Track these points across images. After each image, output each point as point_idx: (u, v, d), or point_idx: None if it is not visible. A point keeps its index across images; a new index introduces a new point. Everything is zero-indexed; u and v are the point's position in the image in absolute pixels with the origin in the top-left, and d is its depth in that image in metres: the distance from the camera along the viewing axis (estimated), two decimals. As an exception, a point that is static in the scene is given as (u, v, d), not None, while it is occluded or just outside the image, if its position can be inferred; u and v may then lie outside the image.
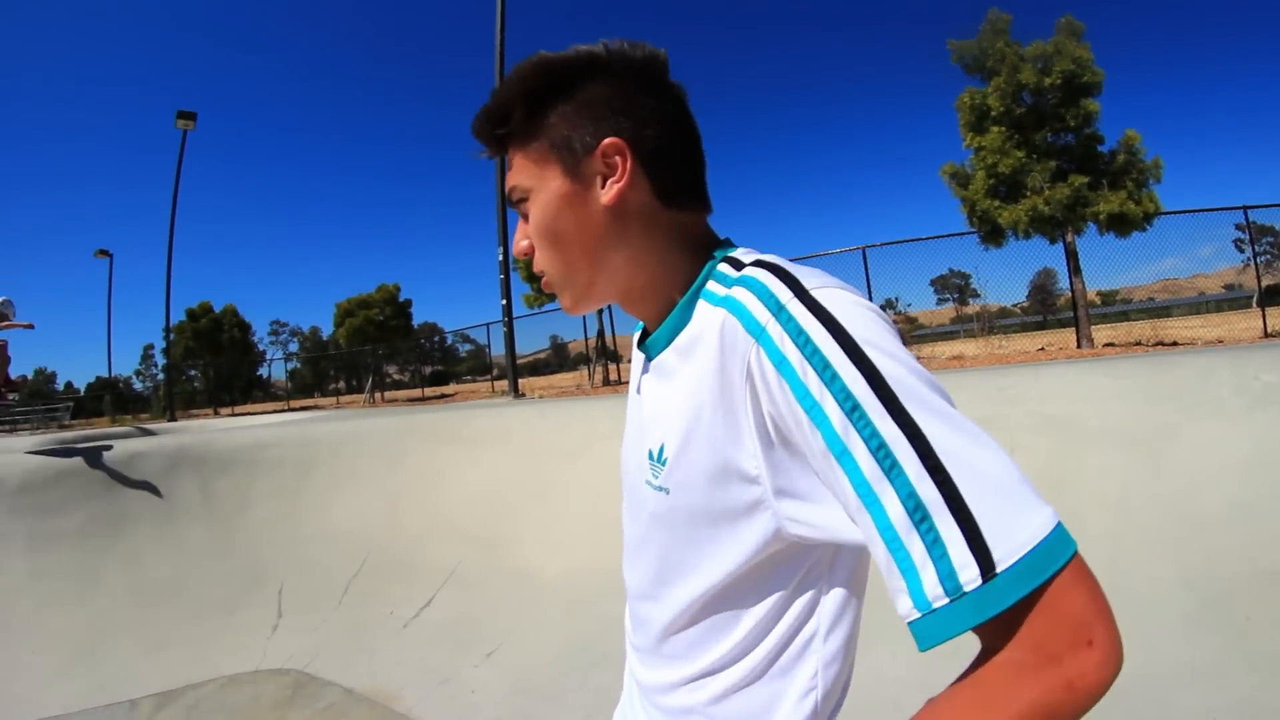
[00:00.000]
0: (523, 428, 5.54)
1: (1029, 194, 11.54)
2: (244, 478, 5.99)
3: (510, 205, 0.85)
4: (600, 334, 18.07)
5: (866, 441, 0.57)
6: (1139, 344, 10.78)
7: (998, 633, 0.54)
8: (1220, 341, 10.59)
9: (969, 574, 0.53)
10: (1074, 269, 11.70)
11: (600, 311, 17.61)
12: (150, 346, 61.48)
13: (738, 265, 0.73)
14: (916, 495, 0.55)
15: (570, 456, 4.99)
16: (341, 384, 36.43)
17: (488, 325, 23.46)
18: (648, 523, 0.80)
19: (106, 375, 40.44)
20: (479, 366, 36.82)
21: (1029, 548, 0.53)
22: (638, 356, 0.90)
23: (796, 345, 0.61)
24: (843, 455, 0.58)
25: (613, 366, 18.60)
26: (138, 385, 59.22)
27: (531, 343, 30.27)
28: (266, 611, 4.65)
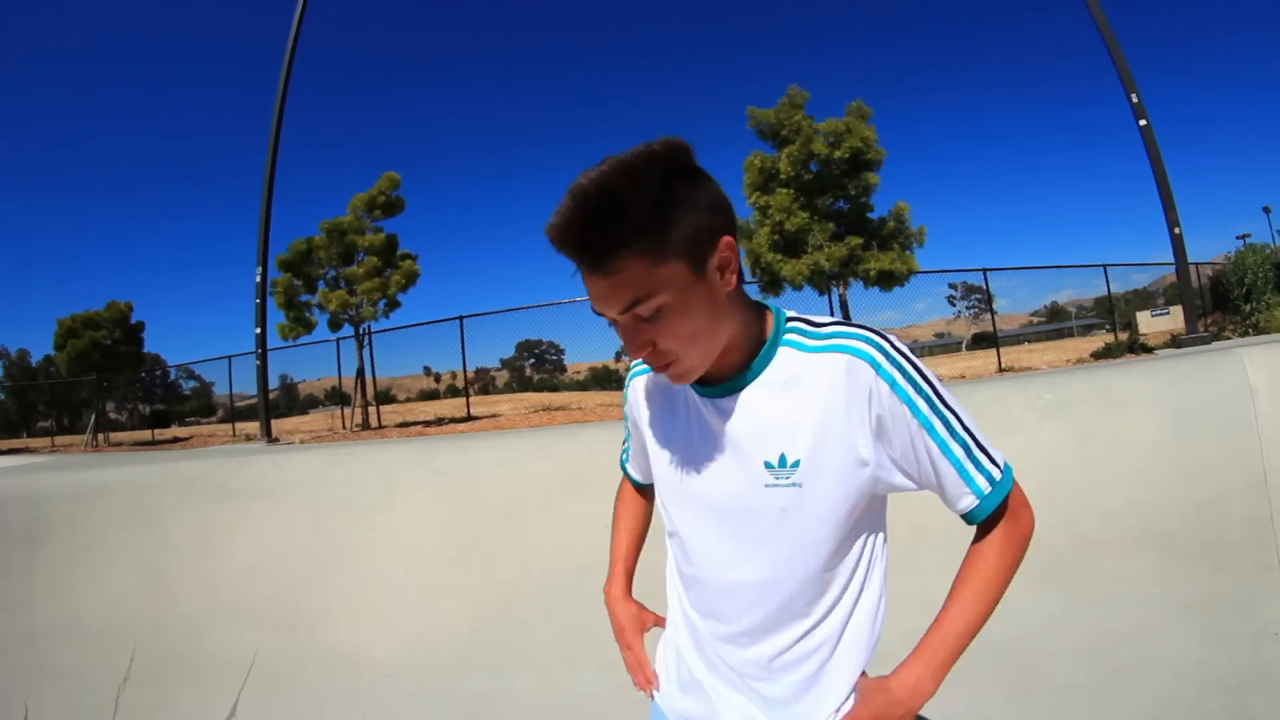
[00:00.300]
0: (306, 479, 4.51)
1: (810, 250, 12.91)
2: None
3: (611, 313, 0.97)
4: (360, 373, 16.68)
5: (940, 418, 1.02)
6: None
7: (1004, 506, 1.09)
8: (964, 376, 12.30)
9: (996, 472, 1.06)
10: (845, 317, 12.60)
11: (361, 350, 16.55)
12: None
13: (809, 323, 1.08)
14: (966, 443, 1.04)
15: (370, 512, 4.11)
16: (51, 422, 31.30)
17: (229, 358, 21.30)
18: (773, 518, 1.06)
19: None
20: (203, 408, 33.10)
21: (1004, 462, 1.08)
22: (678, 393, 1.17)
23: (901, 374, 1.01)
24: (929, 427, 1.02)
25: (375, 409, 17.34)
26: None
27: (251, 383, 27.77)
28: None
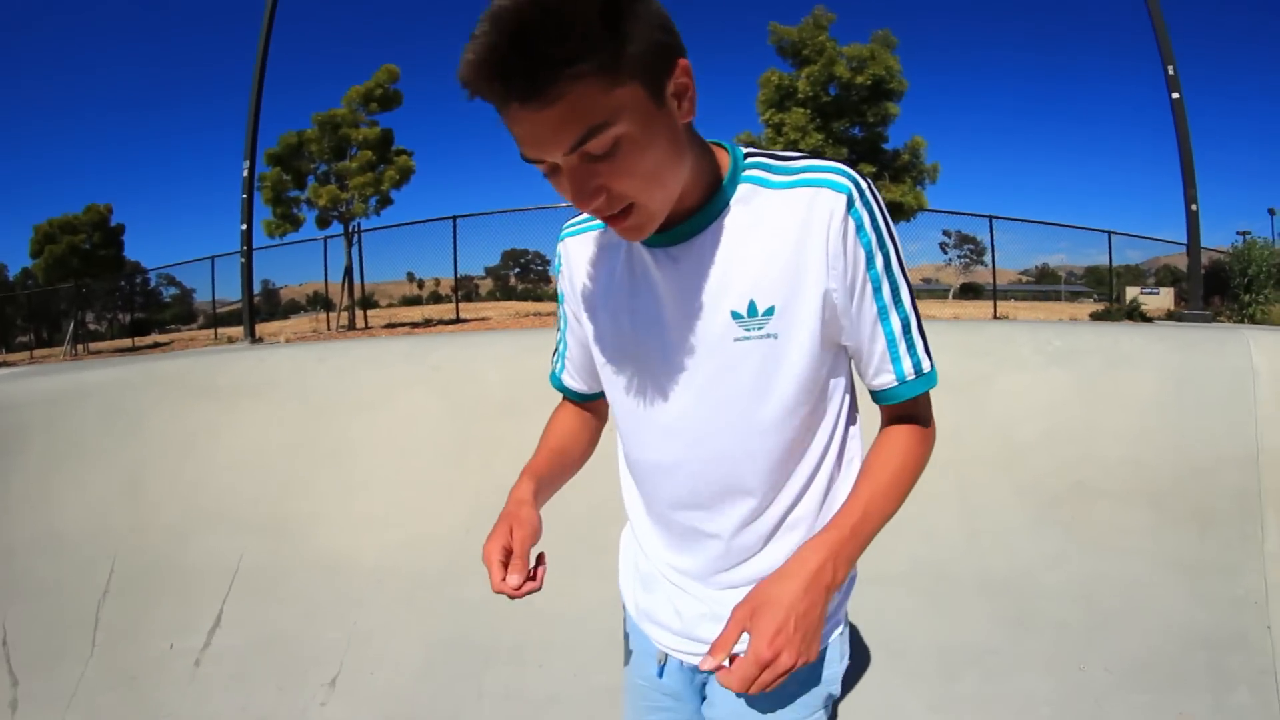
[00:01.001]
0: (294, 376, 4.21)
1: None
2: None
3: (553, 155, 0.77)
4: (348, 273, 16.25)
5: (891, 282, 0.94)
6: None
7: (918, 404, 1.03)
8: (957, 317, 12.32)
9: (925, 365, 0.99)
10: None
11: (350, 248, 16.11)
12: None
13: (775, 158, 0.96)
14: (907, 319, 0.97)
15: (362, 409, 3.88)
16: (30, 336, 30.48)
17: (212, 259, 20.42)
18: (749, 376, 0.95)
19: None
20: (183, 314, 32.33)
21: (933, 360, 1.01)
22: (617, 243, 1.04)
23: (869, 218, 0.91)
24: (877, 285, 0.93)
25: (360, 312, 16.91)
26: None
27: (233, 289, 27.07)
28: None
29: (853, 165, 0.94)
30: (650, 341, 1.00)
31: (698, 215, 0.93)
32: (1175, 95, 9.14)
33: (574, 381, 1.25)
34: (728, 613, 0.93)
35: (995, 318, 13.93)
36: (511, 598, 0.99)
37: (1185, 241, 9.48)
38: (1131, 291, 20.41)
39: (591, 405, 1.29)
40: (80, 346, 22.50)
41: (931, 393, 1.03)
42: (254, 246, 10.04)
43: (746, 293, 0.92)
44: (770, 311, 0.92)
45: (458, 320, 15.39)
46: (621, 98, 0.75)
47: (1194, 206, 9.17)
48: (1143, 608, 2.74)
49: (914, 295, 0.98)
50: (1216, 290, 14.71)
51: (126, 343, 23.17)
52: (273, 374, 4.33)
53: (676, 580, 1.11)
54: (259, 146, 10.23)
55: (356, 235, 16.21)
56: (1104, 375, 3.27)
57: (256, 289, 15.64)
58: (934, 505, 3.13)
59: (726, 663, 0.88)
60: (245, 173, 9.65)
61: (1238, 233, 22.86)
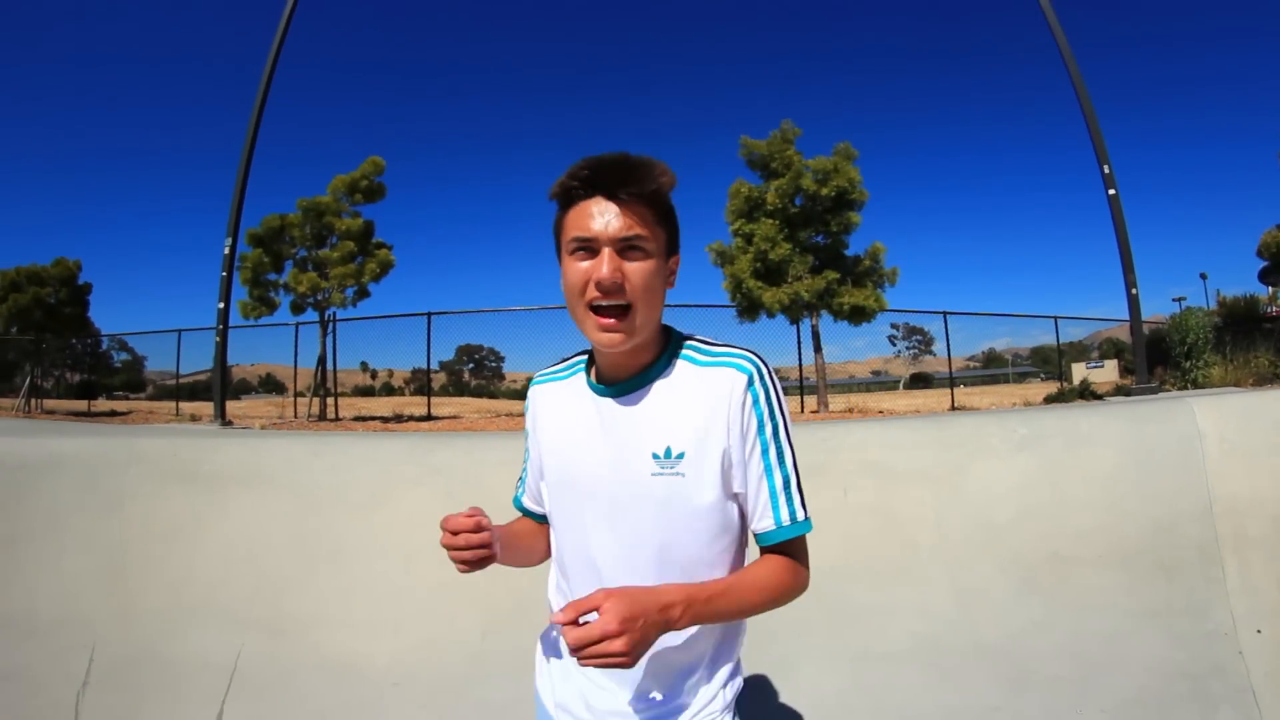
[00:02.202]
0: (287, 468, 4.08)
1: (791, 281, 13.27)
2: None
3: (610, 235, 1.17)
4: (321, 361, 16.03)
5: (777, 446, 1.21)
6: (851, 411, 13.60)
7: (794, 546, 1.25)
8: (918, 411, 12.69)
9: (800, 514, 1.22)
10: (817, 346, 14.20)
11: (325, 336, 15.99)
12: None
13: (703, 342, 1.29)
14: (788, 477, 1.22)
15: (362, 509, 3.79)
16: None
17: (179, 332, 20.23)
18: (657, 503, 1.21)
19: None
20: (132, 382, 31.58)
21: (809, 517, 1.24)
22: (574, 392, 1.36)
23: (764, 396, 1.21)
24: (764, 448, 1.21)
25: (329, 401, 16.71)
26: None
27: (192, 362, 26.52)
28: None
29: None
30: (591, 468, 1.27)
31: (640, 375, 1.25)
32: (1111, 191, 9.99)
33: (533, 504, 1.54)
34: (631, 708, 1.26)
35: (953, 407, 14.63)
36: (451, 542, 1.28)
37: (1125, 318, 10.26)
38: (1077, 367, 21.27)
39: (547, 526, 1.49)
40: (33, 402, 21.81)
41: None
42: (229, 326, 10.05)
43: (665, 440, 1.20)
44: (681, 456, 1.20)
45: (429, 417, 15.21)
46: (658, 236, 1.20)
47: (1134, 290, 10.03)
48: (1125, 654, 3.05)
49: (796, 460, 1.24)
50: (1159, 359, 15.26)
51: (81, 405, 22.48)
52: (265, 465, 4.21)
53: (589, 675, 1.30)
54: (240, 226, 10.28)
55: (332, 324, 16.15)
56: (1067, 454, 3.56)
57: (210, 365, 15.50)
58: (927, 587, 3.35)
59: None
60: (226, 250, 9.75)
61: (1173, 299, 23.89)
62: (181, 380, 22.43)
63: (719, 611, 1.18)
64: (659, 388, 1.25)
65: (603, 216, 1.16)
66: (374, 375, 30.89)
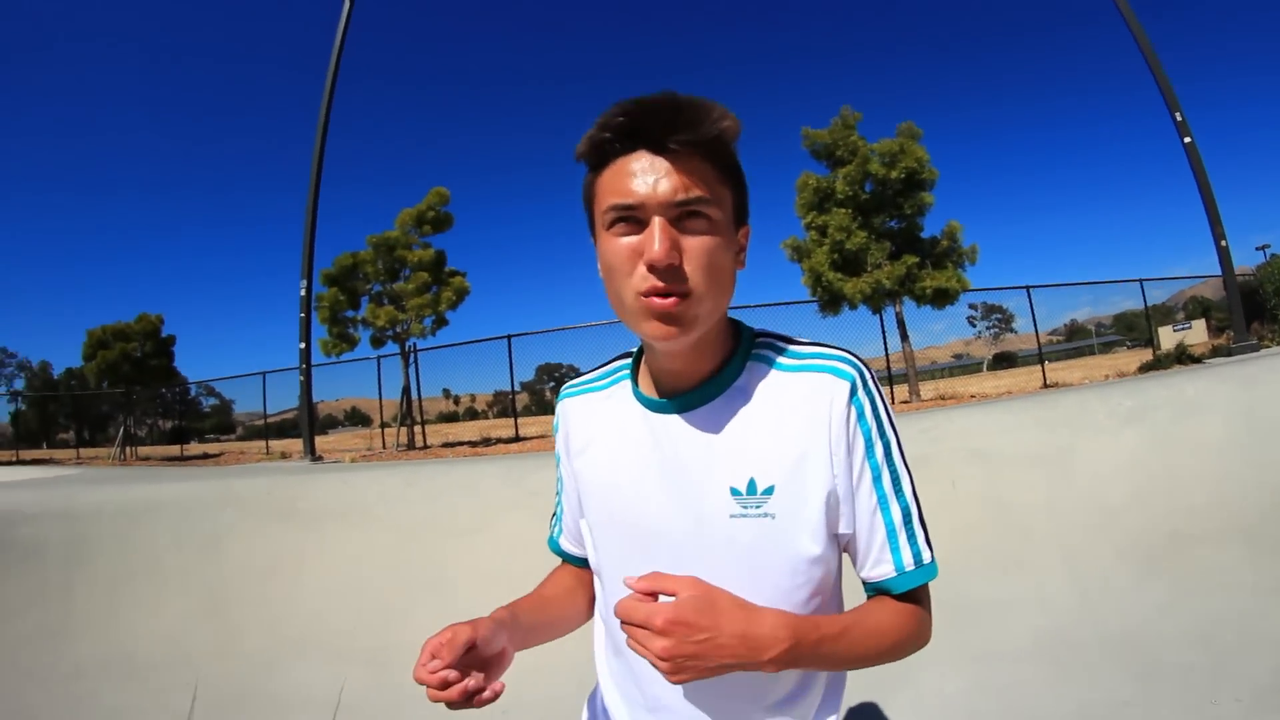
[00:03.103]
0: (382, 500, 4.11)
1: (870, 269, 12.80)
2: None
3: (663, 198, 0.85)
4: (405, 391, 16.28)
5: (891, 470, 0.94)
6: (942, 398, 12.95)
7: (917, 595, 0.97)
8: (1009, 392, 12.32)
9: (926, 555, 0.95)
10: (903, 334, 13.69)
11: (407, 367, 16.27)
12: None
13: (783, 340, 1.00)
14: (908, 508, 0.95)
15: (460, 536, 3.76)
16: (72, 434, 31.04)
17: (263, 374, 21.00)
18: (738, 555, 0.92)
19: None
20: (222, 425, 32.87)
21: (934, 552, 0.97)
22: (617, 406, 1.06)
23: (870, 406, 0.93)
24: (876, 474, 0.93)
25: (416, 429, 16.93)
26: None
27: (278, 402, 27.28)
28: None
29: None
30: (643, 508, 0.99)
31: (708, 384, 0.96)
32: (1187, 140, 9.43)
33: (572, 546, 1.23)
34: None
35: (1045, 385, 13.75)
36: (432, 693, 0.86)
37: (1208, 274, 9.87)
38: (1164, 331, 20.17)
39: (586, 573, 1.23)
40: (128, 450, 22.73)
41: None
42: (312, 364, 10.21)
43: (747, 470, 0.92)
44: (769, 491, 0.91)
45: (517, 438, 15.26)
46: (724, 197, 0.90)
47: (1223, 243, 9.49)
48: (1258, 635, 2.82)
49: (914, 485, 0.97)
50: (1253, 314, 14.53)
51: (174, 450, 23.40)
52: (359, 498, 4.23)
53: None
54: (314, 268, 10.50)
55: (413, 354, 16.38)
56: (1176, 425, 3.46)
57: (295, 403, 16.23)
58: (1045, 576, 3.20)
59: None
60: (303, 292, 9.99)
61: (1257, 248, 22.54)
62: (269, 420, 23.11)
63: (826, 658, 0.91)
64: (734, 401, 0.96)
65: (649, 175, 0.85)
66: (457, 401, 31.46)
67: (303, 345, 10.11)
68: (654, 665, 0.83)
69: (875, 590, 0.97)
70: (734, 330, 1.01)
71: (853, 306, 13.12)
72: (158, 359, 23.92)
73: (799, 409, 0.92)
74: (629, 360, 1.09)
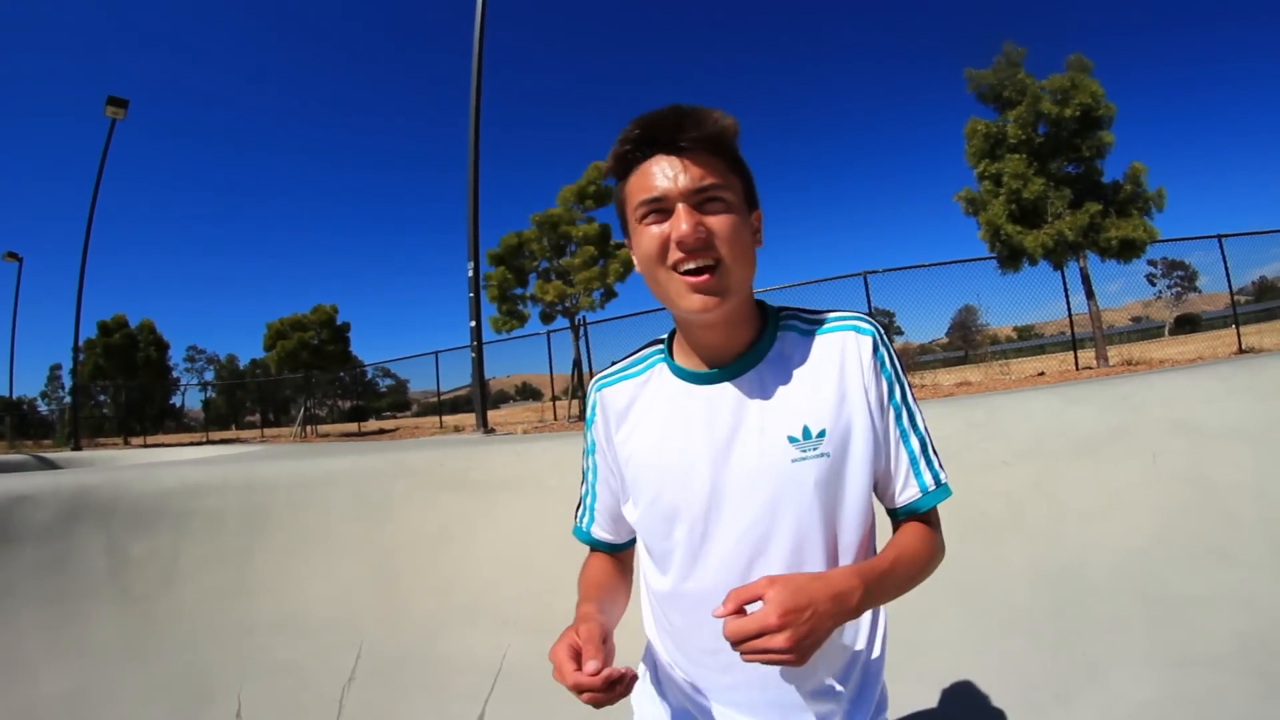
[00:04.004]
0: (553, 471, 4.12)
1: (1051, 220, 11.75)
2: (170, 537, 4.24)
3: (682, 189, 1.02)
4: (577, 364, 16.55)
5: (908, 409, 1.12)
6: (1130, 364, 11.50)
7: (934, 514, 1.15)
8: (1201, 358, 11.14)
9: (943, 478, 1.13)
10: (1089, 292, 12.34)
11: (577, 340, 16.53)
12: (57, 367, 56.09)
13: (805, 311, 1.16)
14: (924, 439, 1.13)
15: None
16: (257, 416, 33.73)
17: (436, 354, 21.79)
18: (806, 493, 1.05)
19: (7, 396, 35.60)
20: (399, 403, 34.82)
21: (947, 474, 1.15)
22: (660, 388, 1.18)
23: (889, 358, 1.11)
24: (898, 412, 1.11)
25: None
26: (43, 408, 54.52)
27: (447, 379, 28.36)
28: None
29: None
30: (709, 468, 1.09)
31: (748, 354, 1.12)
32: None
33: (604, 533, 1.31)
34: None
35: (1240, 350, 12.20)
36: (593, 695, 0.97)
37: None
38: None
39: (621, 555, 1.34)
40: (309, 428, 24.36)
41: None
42: (483, 341, 10.44)
43: (800, 419, 1.07)
44: (822, 434, 1.06)
45: None
46: (734, 184, 1.06)
47: None
48: None
49: (925, 421, 1.16)
50: None
51: (352, 427, 24.91)
52: (530, 468, 4.24)
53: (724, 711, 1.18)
54: (480, 249, 10.72)
55: (584, 328, 16.61)
56: None
57: (467, 380, 17.03)
58: (1252, 572, 2.81)
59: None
60: (470, 273, 10.32)
61: None
62: (443, 396, 24.19)
63: (889, 589, 1.06)
64: (775, 362, 1.12)
65: (670, 171, 1.02)
66: (625, 372, 32.62)
67: (473, 323, 10.42)
68: (779, 662, 0.90)
69: (906, 513, 1.14)
70: (761, 309, 1.17)
71: (1033, 262, 12.03)
72: (334, 345, 25.45)
73: (834, 361, 1.10)
74: (660, 346, 1.22)
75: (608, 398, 1.23)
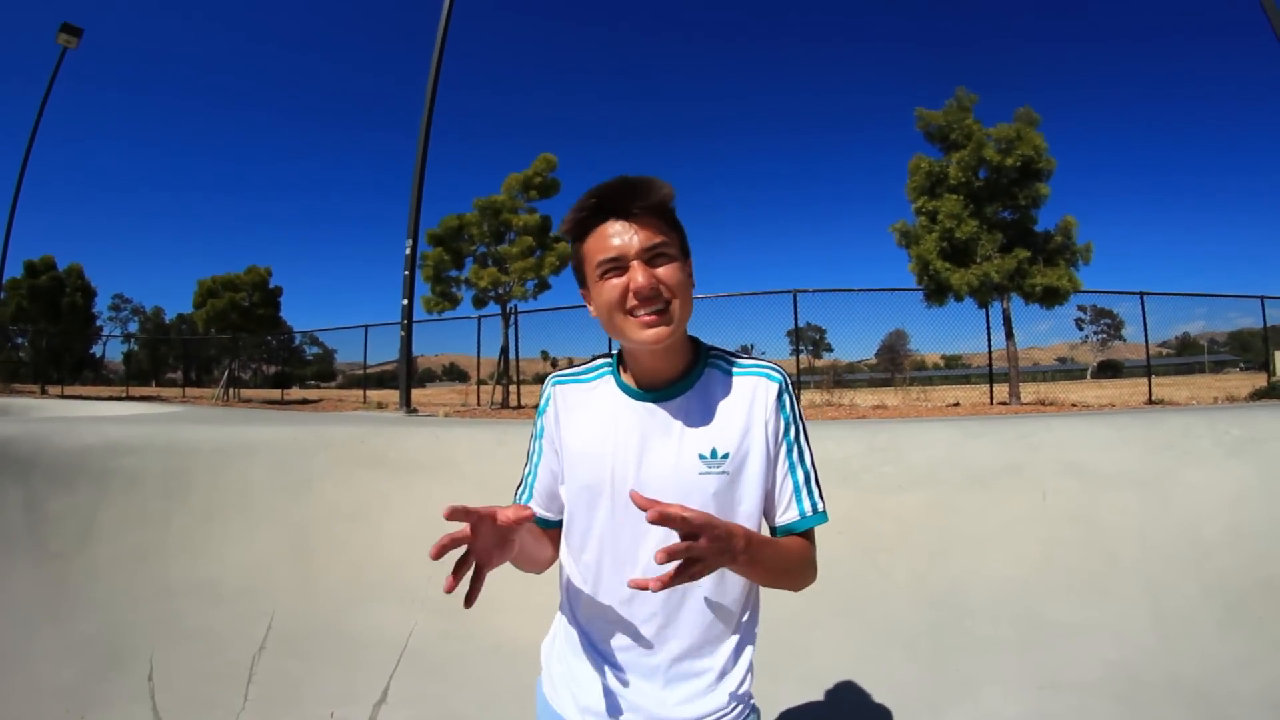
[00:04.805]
0: (472, 457, 4.17)
1: (979, 261, 12.24)
2: (90, 495, 4.26)
3: (636, 248, 1.22)
4: (504, 351, 16.57)
5: (799, 446, 1.32)
6: (1042, 403, 12.26)
7: (809, 536, 1.34)
8: (1112, 405, 11.62)
9: (821, 506, 1.32)
10: (1009, 332, 12.90)
11: (507, 328, 16.54)
12: None
13: (729, 354, 1.38)
14: (809, 473, 1.33)
15: None
16: (179, 374, 32.68)
17: (366, 327, 21.49)
18: (705, 501, 1.24)
19: None
20: (323, 373, 34.35)
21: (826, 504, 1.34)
22: (606, 396, 1.37)
23: (790, 403, 1.33)
24: (789, 447, 1.31)
25: (512, 389, 17.16)
26: (-45, 348, 52.02)
27: (378, 354, 28.05)
28: (134, 711, 3.06)
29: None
30: (632, 471, 1.29)
31: (679, 381, 1.32)
32: None
33: (539, 508, 1.45)
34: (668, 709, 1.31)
35: (1150, 401, 12.93)
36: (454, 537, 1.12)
37: None
38: None
39: (550, 533, 1.48)
40: (231, 391, 23.77)
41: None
42: (414, 320, 10.40)
43: (709, 441, 1.28)
44: (726, 456, 1.27)
45: None
46: (674, 239, 1.27)
47: None
48: None
49: (814, 458, 1.36)
50: None
51: (275, 394, 24.38)
52: (450, 453, 4.28)
53: (621, 676, 1.34)
54: (420, 228, 10.69)
55: (514, 316, 16.66)
56: None
57: (395, 355, 16.63)
58: (1125, 608, 3.03)
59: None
60: (408, 250, 10.29)
61: None
62: (369, 370, 23.80)
63: (765, 559, 1.22)
64: (698, 393, 1.32)
65: (624, 234, 1.23)
66: (554, 363, 32.01)
67: (405, 301, 10.48)
68: (694, 559, 1.06)
69: (784, 531, 1.33)
70: (694, 345, 1.38)
71: (959, 298, 12.53)
72: (265, 308, 25.01)
73: (745, 399, 1.31)
74: (610, 362, 1.41)
75: (561, 392, 1.43)
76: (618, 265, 1.23)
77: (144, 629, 3.57)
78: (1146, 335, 15.55)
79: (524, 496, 1.47)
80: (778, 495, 1.32)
